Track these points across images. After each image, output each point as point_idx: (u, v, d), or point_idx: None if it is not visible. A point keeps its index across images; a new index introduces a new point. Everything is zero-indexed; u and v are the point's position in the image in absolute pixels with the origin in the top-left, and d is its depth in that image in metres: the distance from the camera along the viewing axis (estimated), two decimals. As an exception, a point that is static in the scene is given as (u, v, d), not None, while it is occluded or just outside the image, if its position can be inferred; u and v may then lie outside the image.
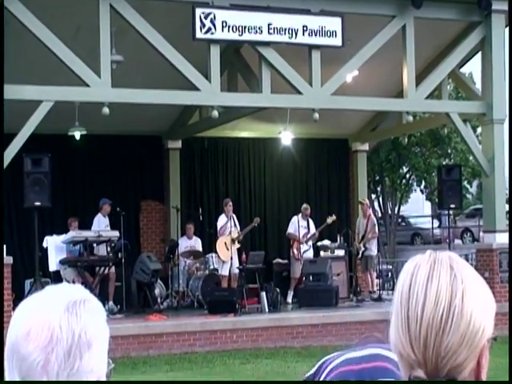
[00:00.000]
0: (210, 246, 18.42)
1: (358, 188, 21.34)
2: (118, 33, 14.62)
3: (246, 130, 20.45)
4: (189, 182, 20.37)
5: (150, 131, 19.56)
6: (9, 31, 13.68)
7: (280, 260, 19.42)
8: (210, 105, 15.45)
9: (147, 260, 16.99)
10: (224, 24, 14.83)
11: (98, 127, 17.18)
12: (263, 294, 16.29)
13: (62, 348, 1.51)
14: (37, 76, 14.55)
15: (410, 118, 17.23)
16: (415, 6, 15.72)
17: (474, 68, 25.21)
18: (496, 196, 16.76)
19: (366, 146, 21.79)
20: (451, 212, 21.93)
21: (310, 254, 18.26)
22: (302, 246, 18.05)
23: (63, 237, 16.09)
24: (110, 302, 16.47)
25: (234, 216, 17.72)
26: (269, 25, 15.13)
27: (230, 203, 17.72)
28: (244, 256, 17.46)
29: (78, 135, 17.30)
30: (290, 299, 18.05)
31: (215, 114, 15.21)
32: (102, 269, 16.24)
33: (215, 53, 14.87)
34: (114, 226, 16.89)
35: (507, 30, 17.25)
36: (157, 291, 17.14)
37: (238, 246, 17.59)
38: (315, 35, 15.38)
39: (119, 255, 16.72)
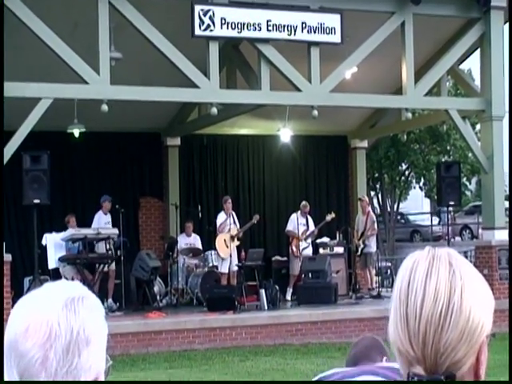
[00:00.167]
0: (209, 243, 18.41)
1: (357, 185, 21.34)
2: (117, 29, 14.60)
3: (245, 127, 20.42)
4: (188, 179, 20.35)
5: (148, 128, 19.54)
6: (7, 28, 13.64)
7: (279, 257, 19.43)
8: (208, 102, 15.45)
9: (146, 257, 16.98)
10: (223, 21, 14.82)
11: (96, 124, 17.15)
12: (262, 291, 16.28)
13: (61, 345, 1.51)
14: (35, 73, 14.52)
15: (409, 115, 17.25)
16: (414, 2, 15.71)
17: (473, 65, 25.25)
18: (495, 193, 16.75)
19: (365, 143, 21.79)
20: (450, 209, 21.96)
21: (309, 251, 18.25)
22: (301, 243, 18.04)
23: (62, 234, 16.08)
24: (110, 300, 16.47)
25: (234, 213, 17.70)
26: (268, 22, 15.12)
27: (230, 200, 17.70)
28: (243, 253, 17.46)
29: (76, 132, 17.28)
30: (289, 296, 18.04)
31: (214, 111, 15.20)
32: (102, 266, 16.25)
33: (214, 50, 14.86)
34: (113, 223, 16.88)
35: (506, 26, 17.25)
36: (156, 288, 17.13)
37: (237, 243, 17.58)
38: (314, 32, 15.37)
39: (118, 253, 16.71)
